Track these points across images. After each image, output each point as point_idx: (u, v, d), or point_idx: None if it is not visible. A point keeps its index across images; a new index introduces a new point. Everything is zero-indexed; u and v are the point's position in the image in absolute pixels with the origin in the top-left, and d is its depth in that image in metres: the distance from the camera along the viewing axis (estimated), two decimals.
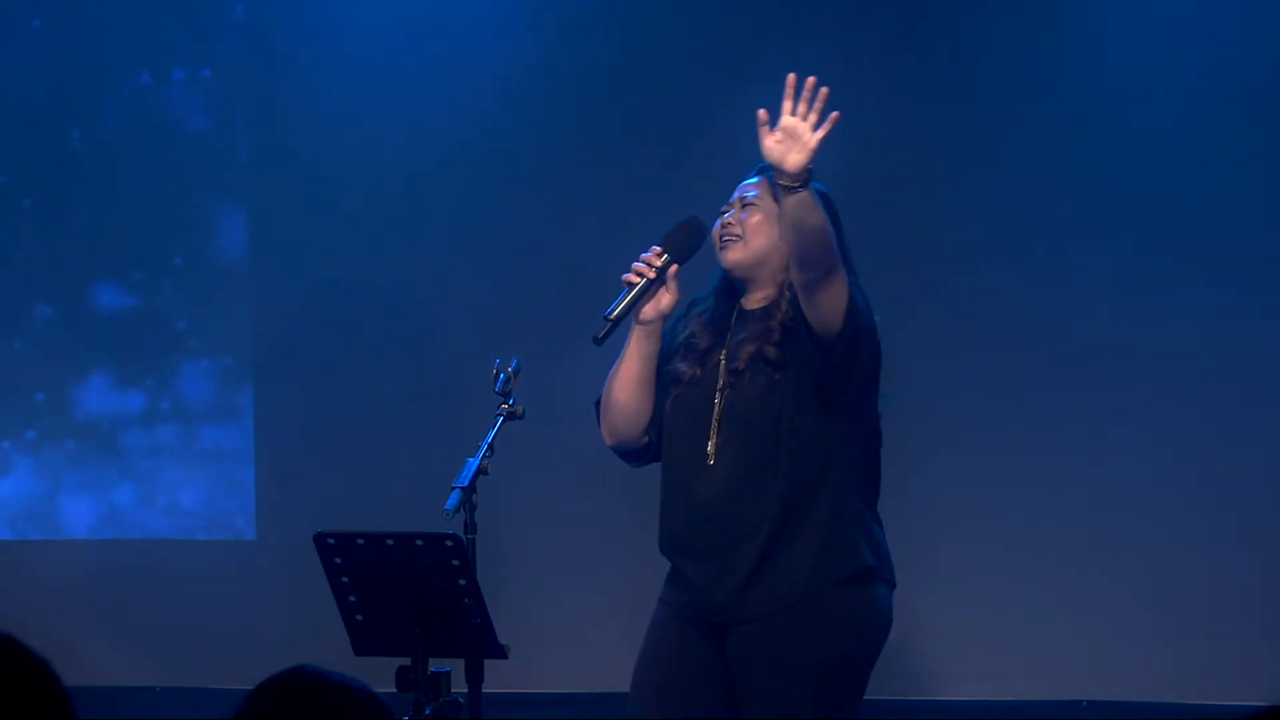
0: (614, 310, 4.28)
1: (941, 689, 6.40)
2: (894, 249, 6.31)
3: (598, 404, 4.42)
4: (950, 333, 6.40)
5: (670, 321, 4.38)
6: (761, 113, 4.05)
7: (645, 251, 4.32)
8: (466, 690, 4.03)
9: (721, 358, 4.30)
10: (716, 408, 4.26)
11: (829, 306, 4.12)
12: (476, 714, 4.02)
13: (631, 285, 4.30)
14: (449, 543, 3.90)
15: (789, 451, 4.21)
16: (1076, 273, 6.37)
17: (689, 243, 4.34)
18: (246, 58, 6.80)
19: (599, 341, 4.28)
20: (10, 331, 6.94)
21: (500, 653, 4.01)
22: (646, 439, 4.39)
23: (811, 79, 4.05)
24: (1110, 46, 6.37)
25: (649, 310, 4.32)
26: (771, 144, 4.05)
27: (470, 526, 4.03)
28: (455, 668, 4.01)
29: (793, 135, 4.04)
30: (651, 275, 4.29)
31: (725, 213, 4.36)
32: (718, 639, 4.26)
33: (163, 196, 6.85)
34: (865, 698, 4.30)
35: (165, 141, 6.85)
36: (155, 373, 6.89)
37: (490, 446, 4.14)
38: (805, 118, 4.03)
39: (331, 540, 3.97)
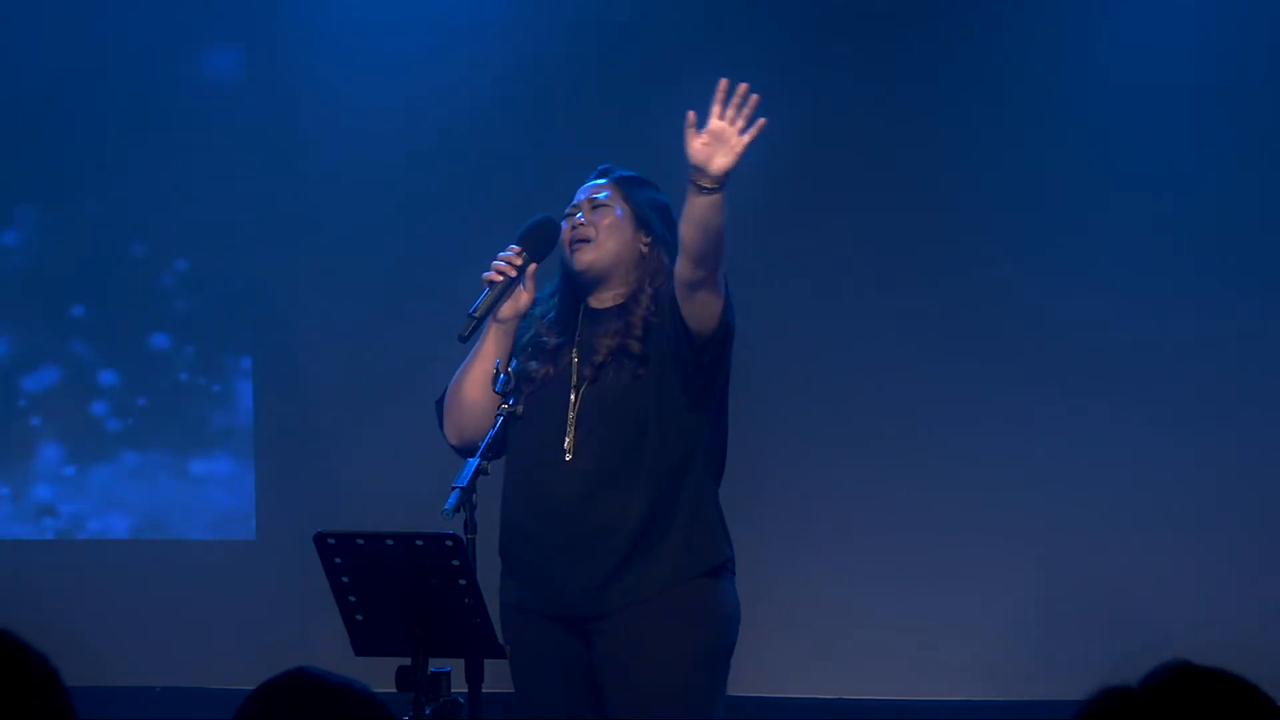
0: (477, 308, 4.35)
1: (941, 689, 6.40)
2: (887, 250, 6.32)
3: (438, 404, 4.46)
4: (944, 332, 6.40)
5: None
6: (690, 114, 4.15)
7: (504, 250, 4.37)
8: (466, 690, 4.03)
9: (574, 356, 4.34)
10: (573, 404, 4.29)
11: (710, 301, 4.21)
12: (476, 714, 4.03)
13: (493, 284, 4.37)
14: (449, 543, 3.90)
15: (655, 444, 4.28)
16: (1076, 273, 6.37)
17: (545, 241, 4.41)
18: (246, 59, 6.80)
19: (464, 339, 4.37)
20: (10, 330, 6.95)
21: (500, 653, 4.02)
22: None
23: (743, 85, 4.12)
24: (1109, 46, 6.37)
25: (508, 309, 4.41)
26: (698, 146, 4.13)
27: (470, 526, 4.03)
28: (455, 668, 4.01)
29: (720, 139, 4.12)
30: (513, 274, 4.35)
31: (574, 214, 4.40)
32: (581, 634, 4.29)
33: (164, 195, 6.85)
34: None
35: (166, 141, 6.85)
36: (155, 372, 6.88)
37: (490, 446, 4.15)
38: (733, 122, 4.12)
39: (331, 540, 3.97)
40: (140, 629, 6.79)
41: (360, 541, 3.96)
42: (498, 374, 4.28)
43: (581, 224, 4.39)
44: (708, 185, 4.12)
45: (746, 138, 4.12)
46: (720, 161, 4.11)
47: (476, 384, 4.38)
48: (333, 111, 6.74)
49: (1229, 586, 6.28)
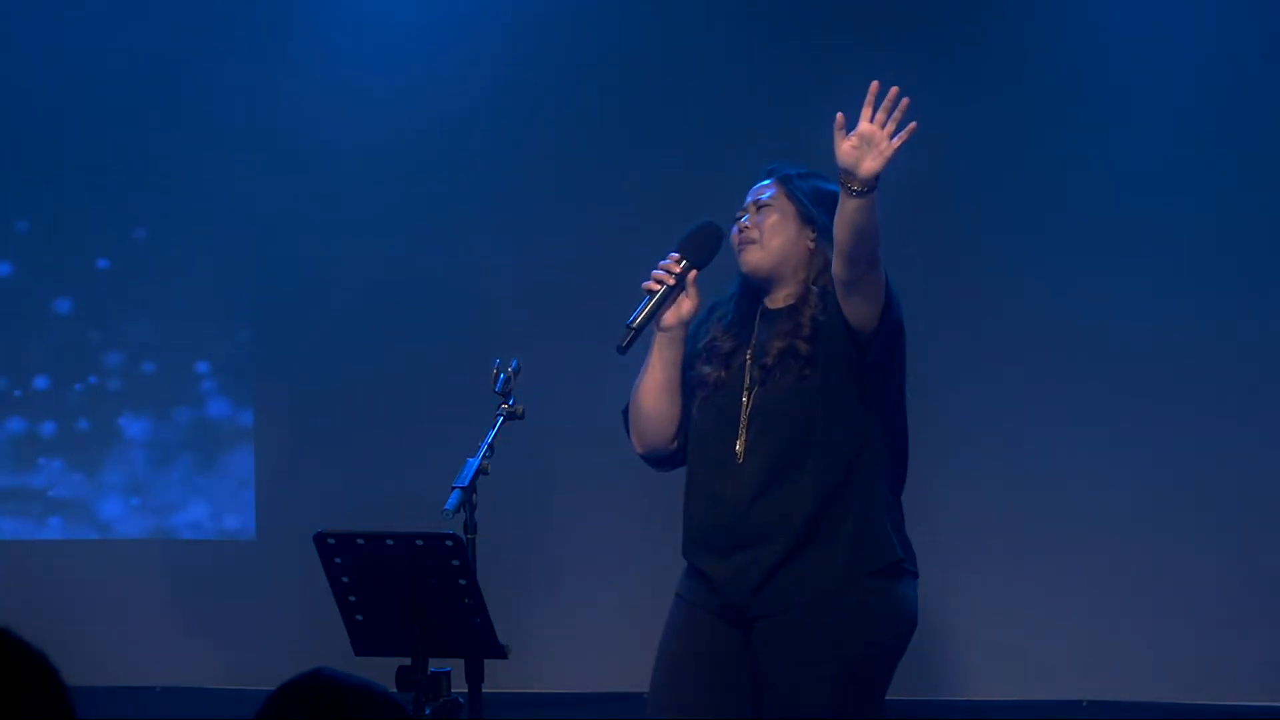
0: (636, 319, 4.31)
1: (941, 689, 6.40)
2: (899, 255, 6.30)
3: (625, 413, 4.45)
4: (960, 336, 6.40)
5: (692, 327, 4.42)
6: (839, 116, 4.11)
7: (663, 259, 4.35)
8: (466, 690, 4.03)
9: (747, 357, 4.33)
10: (745, 406, 4.29)
11: (870, 301, 4.19)
12: (476, 714, 4.03)
13: (652, 293, 4.33)
14: (449, 543, 3.90)
15: (821, 445, 4.26)
16: (1082, 278, 6.38)
17: (706, 247, 4.37)
18: (245, 59, 6.80)
19: (623, 350, 4.32)
20: (10, 329, 6.95)
21: (500, 653, 4.02)
22: (676, 444, 4.43)
23: (894, 89, 4.11)
24: (1117, 51, 6.37)
25: (670, 317, 4.37)
26: (847, 149, 4.10)
27: (470, 526, 4.03)
28: (455, 668, 4.01)
29: (869, 142, 4.09)
30: (671, 282, 4.33)
31: (740, 217, 4.39)
32: (743, 632, 4.29)
33: (165, 195, 6.85)
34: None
35: (167, 138, 6.85)
36: (155, 372, 6.88)
37: (490, 446, 4.15)
38: (883, 126, 4.10)
39: (331, 540, 3.97)
40: (140, 629, 6.79)
41: (360, 541, 3.96)
42: (498, 374, 4.28)
43: (747, 225, 4.36)
44: (856, 188, 4.10)
45: (896, 142, 4.10)
46: (869, 165, 4.09)
47: (653, 394, 4.37)
48: (335, 112, 6.74)
49: (1229, 586, 6.29)
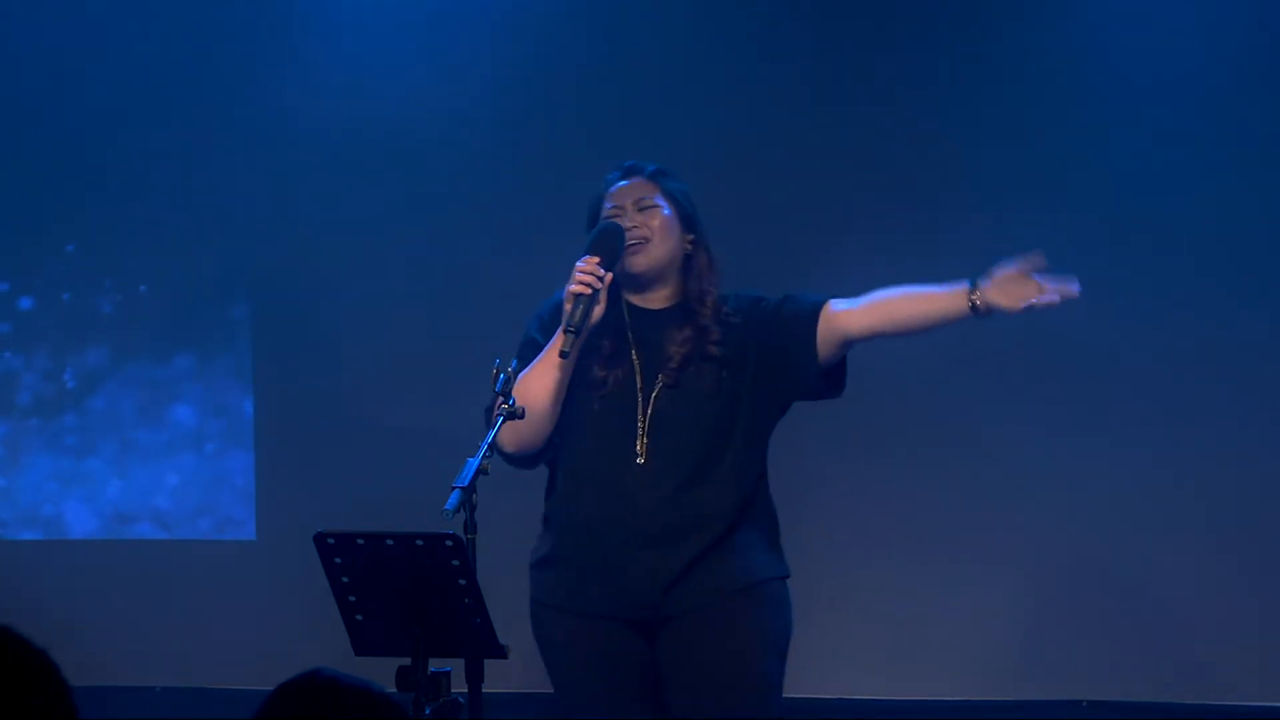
0: (572, 324, 4.27)
1: (941, 689, 6.40)
2: (899, 254, 6.31)
3: (487, 413, 4.34)
4: (960, 336, 6.39)
5: (538, 325, 4.42)
6: (1037, 258, 4.18)
7: (580, 263, 4.30)
8: (466, 690, 4.03)
9: (634, 358, 4.31)
10: (645, 406, 4.29)
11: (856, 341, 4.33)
12: (476, 714, 4.02)
13: (582, 296, 4.28)
14: (449, 543, 3.90)
15: (738, 448, 4.30)
16: (1082, 278, 6.37)
17: (616, 250, 4.35)
18: (245, 60, 6.80)
19: (566, 356, 4.28)
20: (12, 328, 6.95)
21: (500, 653, 4.01)
22: (550, 443, 4.40)
23: (1076, 290, 4.19)
24: (1117, 51, 6.37)
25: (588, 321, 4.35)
26: (1004, 280, 4.22)
27: (470, 526, 4.03)
28: (455, 668, 4.01)
29: (1019, 286, 4.20)
30: (598, 285, 4.29)
31: (618, 216, 4.36)
32: (645, 634, 4.31)
33: (163, 196, 6.86)
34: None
35: (166, 142, 6.85)
36: (155, 372, 6.89)
37: (490, 446, 4.14)
38: (1041, 290, 4.20)
39: (331, 540, 3.97)
40: (140, 629, 6.79)
41: (360, 541, 3.96)
42: (498, 374, 4.27)
43: (634, 226, 4.36)
44: (970, 310, 4.23)
45: (1030, 305, 4.20)
46: (1003, 302, 4.20)
47: (549, 395, 4.32)
48: (333, 113, 6.74)
49: (1227, 586, 6.29)
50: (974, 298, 4.23)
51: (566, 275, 4.33)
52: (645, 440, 4.29)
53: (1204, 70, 6.33)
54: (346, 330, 6.74)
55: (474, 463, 4.08)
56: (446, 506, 3.99)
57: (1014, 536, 6.36)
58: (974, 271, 6.41)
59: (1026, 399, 6.41)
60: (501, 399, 4.23)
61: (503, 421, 4.22)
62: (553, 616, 4.40)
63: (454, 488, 4.02)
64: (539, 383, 4.34)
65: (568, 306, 4.27)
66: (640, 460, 4.29)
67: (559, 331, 4.31)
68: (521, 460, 4.44)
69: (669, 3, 6.63)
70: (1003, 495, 6.38)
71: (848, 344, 4.35)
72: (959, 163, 6.44)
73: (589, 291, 4.28)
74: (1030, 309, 4.21)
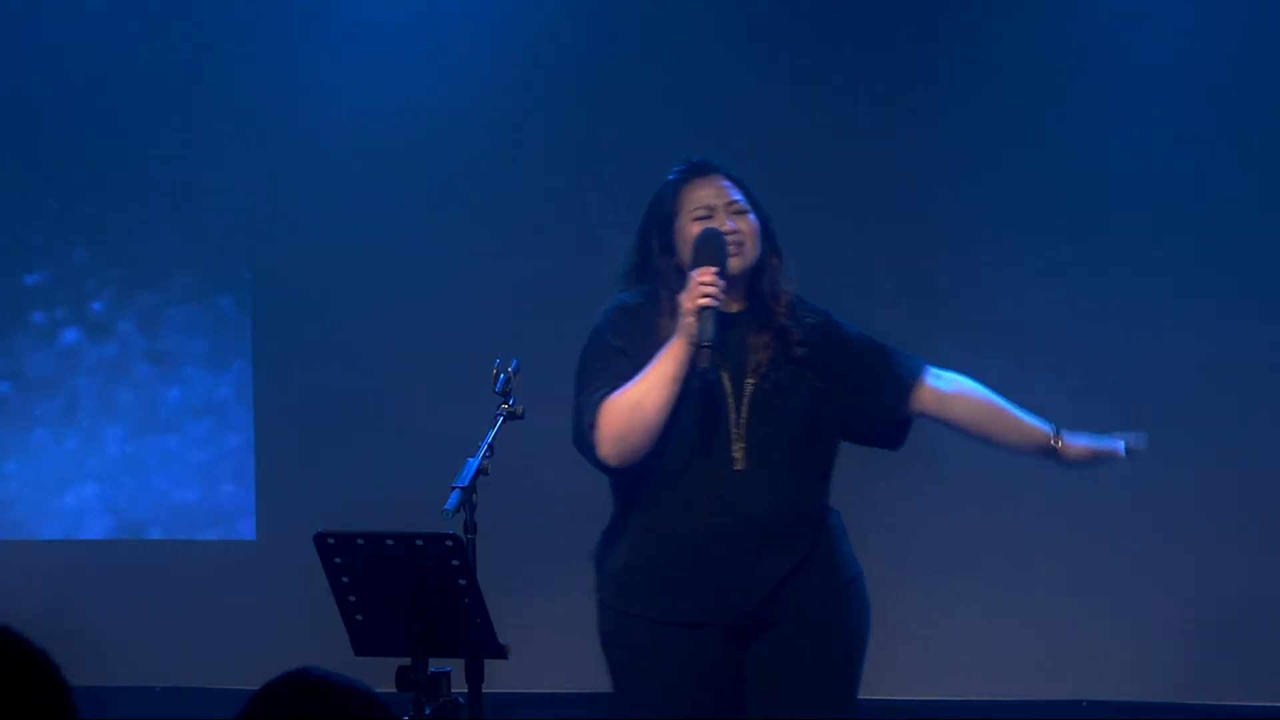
0: (708, 338, 4.14)
1: (942, 689, 6.40)
2: (892, 247, 6.31)
3: (594, 424, 4.26)
4: (960, 336, 6.40)
5: (609, 332, 4.33)
6: (1132, 443, 4.37)
7: (701, 276, 4.15)
8: (466, 690, 4.03)
9: (719, 363, 4.27)
10: (739, 409, 4.25)
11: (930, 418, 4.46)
12: (476, 714, 4.02)
13: (709, 310, 4.15)
14: (449, 543, 3.90)
15: (825, 449, 4.32)
16: (1082, 278, 6.38)
17: (724, 256, 4.26)
18: (245, 60, 6.80)
19: (707, 373, 4.19)
20: (11, 327, 6.95)
21: (500, 653, 4.01)
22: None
23: (1122, 454, 4.39)
24: (1117, 51, 6.37)
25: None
26: (1092, 450, 4.39)
27: (470, 526, 4.03)
28: (455, 668, 4.01)
29: (1101, 460, 4.39)
30: (722, 296, 4.21)
31: (708, 219, 4.30)
32: (738, 641, 4.27)
33: (164, 196, 6.86)
34: (868, 696, 4.36)
35: (165, 142, 6.85)
36: (155, 372, 6.89)
37: (490, 446, 4.14)
38: (1113, 454, 4.39)
39: (331, 540, 3.97)
40: (140, 629, 6.79)
41: (360, 541, 3.96)
42: (498, 373, 4.26)
43: (732, 229, 4.28)
44: (1055, 456, 4.41)
45: (1092, 458, 4.39)
46: (1079, 460, 4.40)
47: (664, 408, 4.20)
48: (333, 114, 6.74)
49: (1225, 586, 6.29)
50: (1055, 444, 4.40)
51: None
52: (742, 445, 4.25)
53: (1204, 70, 6.34)
54: (347, 331, 6.74)
55: (474, 463, 4.07)
56: (446, 506, 3.99)
57: (1014, 537, 6.36)
58: (974, 271, 6.44)
59: (1025, 399, 6.39)
60: (502, 399, 4.23)
61: (502, 421, 4.21)
62: (638, 625, 4.31)
63: (454, 488, 4.02)
64: (654, 395, 4.20)
65: (688, 320, 4.15)
66: (739, 466, 4.24)
67: (676, 344, 4.18)
68: (617, 469, 4.31)
69: (669, 3, 6.63)
70: (1003, 496, 6.38)
71: (923, 416, 4.40)
72: (959, 163, 6.44)
73: (713, 304, 4.17)
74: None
